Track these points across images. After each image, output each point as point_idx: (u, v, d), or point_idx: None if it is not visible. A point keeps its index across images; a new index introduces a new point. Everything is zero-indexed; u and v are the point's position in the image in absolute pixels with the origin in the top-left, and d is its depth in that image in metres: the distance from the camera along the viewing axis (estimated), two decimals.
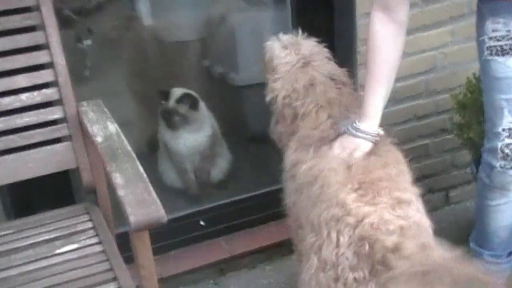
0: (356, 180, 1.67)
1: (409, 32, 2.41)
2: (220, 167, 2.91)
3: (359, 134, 1.81)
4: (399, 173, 1.75)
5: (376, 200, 1.60)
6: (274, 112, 2.04)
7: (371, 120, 1.81)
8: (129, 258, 1.71)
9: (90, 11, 3.99)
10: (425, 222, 1.63)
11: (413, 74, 2.51)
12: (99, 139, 1.82)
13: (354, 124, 1.83)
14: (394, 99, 2.50)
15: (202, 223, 2.61)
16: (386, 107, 2.48)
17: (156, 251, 2.45)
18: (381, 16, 1.76)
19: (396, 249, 1.48)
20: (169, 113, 2.71)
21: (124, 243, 1.71)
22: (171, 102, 2.71)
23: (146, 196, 1.54)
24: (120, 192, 1.55)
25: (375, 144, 1.82)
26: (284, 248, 2.44)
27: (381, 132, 1.83)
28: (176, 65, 3.25)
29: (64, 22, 3.61)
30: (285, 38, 2.05)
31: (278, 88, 1.99)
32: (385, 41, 1.78)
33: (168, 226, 2.57)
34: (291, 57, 2.01)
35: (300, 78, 1.97)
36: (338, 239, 1.59)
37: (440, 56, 2.53)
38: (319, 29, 2.16)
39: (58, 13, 3.60)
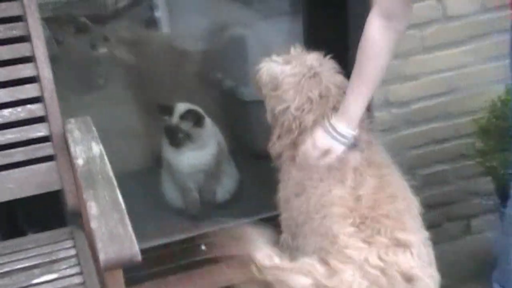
0: (359, 215, 1.59)
1: (428, 50, 2.27)
2: (226, 187, 2.77)
3: (336, 135, 1.73)
4: (407, 208, 1.66)
5: (374, 239, 1.52)
6: (278, 125, 1.91)
7: (351, 122, 1.74)
8: None
9: (106, 19, 3.93)
10: (418, 271, 1.49)
11: (430, 95, 2.34)
12: (80, 161, 1.70)
13: (331, 122, 1.74)
14: (409, 121, 2.35)
15: (203, 247, 2.47)
16: (401, 129, 2.35)
17: (153, 276, 2.37)
18: (382, 24, 1.66)
19: None
20: (172, 130, 2.57)
21: None
22: (175, 119, 2.57)
23: (120, 229, 1.40)
24: (93, 224, 1.43)
25: (379, 168, 1.73)
26: None
27: (355, 134, 1.74)
28: (186, 76, 3.14)
29: (79, 29, 3.55)
30: (278, 58, 1.91)
31: (290, 99, 1.85)
32: (383, 50, 1.69)
33: (167, 250, 2.49)
34: (298, 68, 1.87)
35: (314, 87, 1.84)
36: None
37: (461, 77, 2.35)
38: (333, 42, 2.06)
39: (73, 19, 3.56)
